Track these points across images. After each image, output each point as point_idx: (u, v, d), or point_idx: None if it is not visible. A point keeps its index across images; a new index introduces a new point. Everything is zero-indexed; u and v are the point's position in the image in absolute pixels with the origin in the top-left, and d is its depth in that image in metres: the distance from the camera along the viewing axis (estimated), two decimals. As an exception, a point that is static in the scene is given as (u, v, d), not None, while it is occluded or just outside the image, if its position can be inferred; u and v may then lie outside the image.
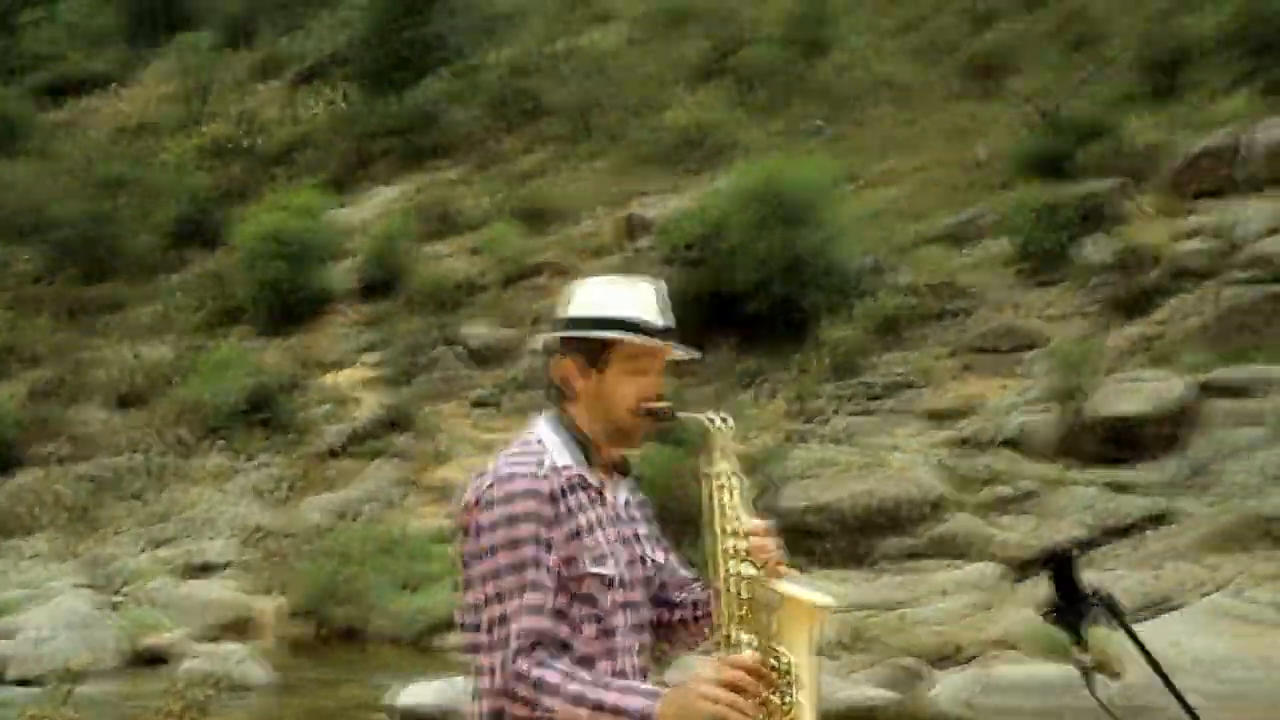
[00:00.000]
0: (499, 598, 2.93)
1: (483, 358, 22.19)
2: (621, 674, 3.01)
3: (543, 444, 3.07)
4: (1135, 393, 16.08)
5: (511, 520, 2.94)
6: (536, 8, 36.27)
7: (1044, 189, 20.42)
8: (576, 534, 2.99)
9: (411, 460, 20.02)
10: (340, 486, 19.94)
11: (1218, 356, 16.29)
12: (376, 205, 28.97)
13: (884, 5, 32.58)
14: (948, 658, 13.44)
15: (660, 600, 3.22)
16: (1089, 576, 2.90)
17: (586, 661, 2.97)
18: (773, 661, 2.92)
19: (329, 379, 22.92)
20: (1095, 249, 19.08)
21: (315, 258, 25.24)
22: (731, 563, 2.98)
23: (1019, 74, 26.99)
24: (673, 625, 3.23)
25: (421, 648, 15.45)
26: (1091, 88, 25.32)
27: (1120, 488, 15.32)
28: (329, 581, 16.46)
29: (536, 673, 2.88)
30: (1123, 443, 15.77)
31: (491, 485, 2.99)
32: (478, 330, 22.77)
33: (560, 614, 2.96)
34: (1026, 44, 28.08)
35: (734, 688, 2.85)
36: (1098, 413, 16.03)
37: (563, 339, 3.12)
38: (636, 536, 3.16)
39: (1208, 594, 13.40)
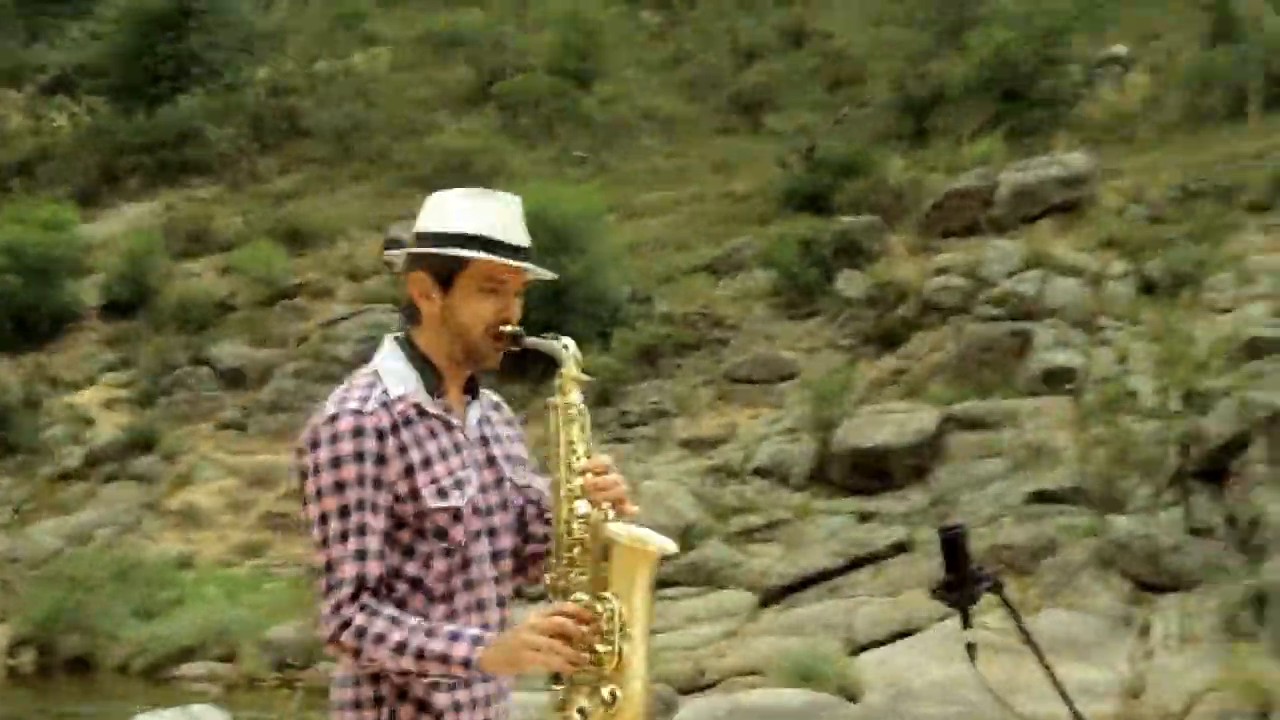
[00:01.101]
0: (325, 543, 2.80)
1: (232, 379, 21.55)
2: (481, 605, 2.90)
3: (378, 374, 2.90)
4: (884, 424, 16.40)
5: (336, 462, 2.79)
6: (300, 27, 35.68)
7: (803, 224, 20.80)
8: (412, 469, 2.83)
9: (152, 483, 19.31)
10: (75, 510, 19.11)
11: (962, 391, 16.72)
12: (125, 221, 28.00)
13: (651, 40, 32.97)
14: (694, 685, 13.43)
15: (520, 528, 3.05)
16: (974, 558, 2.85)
17: (444, 597, 2.85)
18: (601, 608, 2.78)
19: (69, 399, 21.98)
20: (850, 284, 19.46)
21: (58, 273, 24.23)
22: (572, 502, 2.85)
23: (781, 110, 27.55)
24: (527, 559, 3.06)
25: (156, 678, 14.84)
26: (849, 127, 25.99)
27: (866, 517, 15.57)
28: (56, 609, 15.68)
29: (360, 621, 2.76)
30: (871, 473, 16.05)
31: (318, 426, 2.84)
32: (228, 351, 22.11)
33: (409, 551, 2.83)
34: (788, 82, 28.69)
35: (560, 635, 2.73)
36: (848, 443, 16.29)
37: (413, 255, 2.94)
38: (492, 459, 2.99)
39: (941, 620, 13.69)
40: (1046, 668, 3.11)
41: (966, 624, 2.92)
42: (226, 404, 21.07)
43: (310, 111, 30.67)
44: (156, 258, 24.67)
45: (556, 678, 2.79)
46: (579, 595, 2.79)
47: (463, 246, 2.88)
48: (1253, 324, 16.08)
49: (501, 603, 2.95)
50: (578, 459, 2.87)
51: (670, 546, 2.83)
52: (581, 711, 2.77)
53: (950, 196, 20.57)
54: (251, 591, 16.37)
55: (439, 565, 2.84)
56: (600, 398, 18.57)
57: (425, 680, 2.80)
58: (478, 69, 31.39)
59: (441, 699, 2.83)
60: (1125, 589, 13.04)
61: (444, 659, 2.73)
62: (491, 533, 2.94)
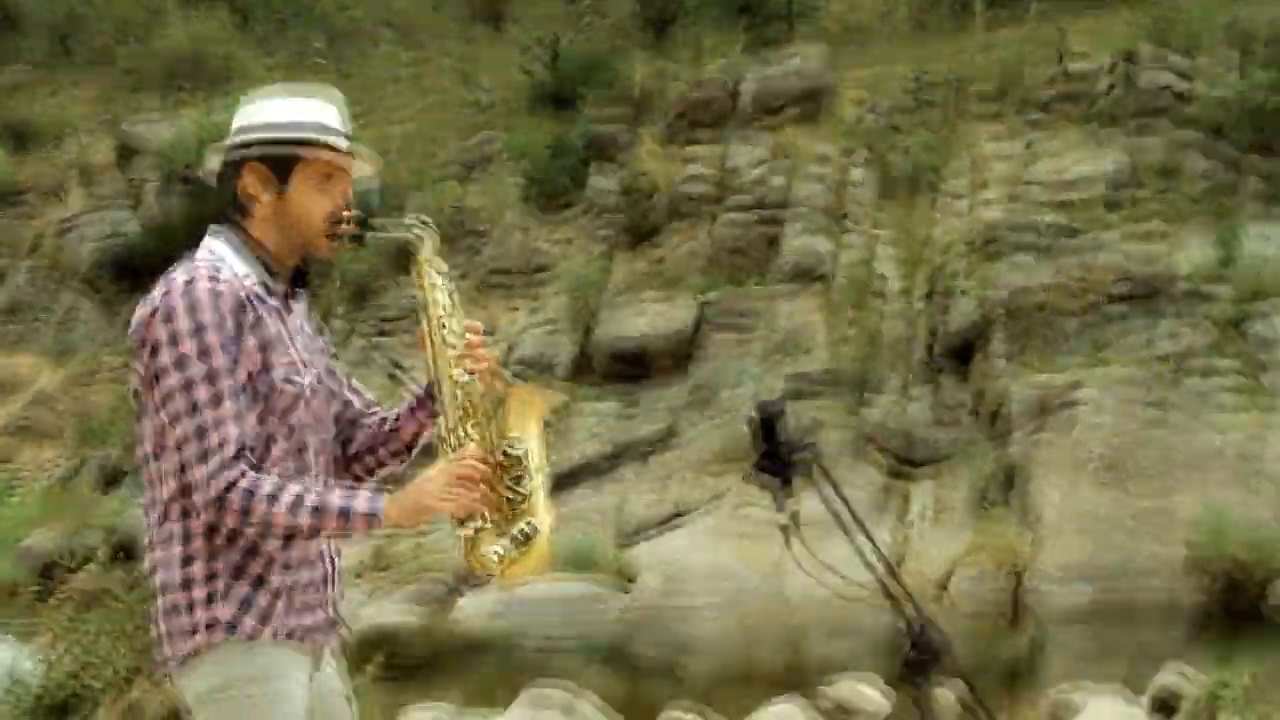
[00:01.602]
0: (194, 409, 2.72)
1: (-39, 284, 20.54)
2: None
3: (220, 256, 2.86)
4: (641, 317, 16.70)
5: (198, 329, 2.74)
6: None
7: (551, 126, 20.81)
8: (266, 345, 2.81)
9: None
10: None
11: (716, 283, 17.11)
12: None
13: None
14: (471, 577, 13.57)
15: (342, 421, 3.04)
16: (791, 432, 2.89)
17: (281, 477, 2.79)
18: (506, 452, 2.85)
19: None
20: (601, 181, 19.64)
21: None
22: (450, 369, 2.89)
23: (519, 22, 27.38)
24: (359, 449, 3.06)
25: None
26: (589, 35, 26.00)
27: (630, 409, 15.86)
28: None
29: (248, 480, 2.71)
30: (632, 365, 16.34)
31: (170, 294, 2.76)
32: (-46, 255, 21.04)
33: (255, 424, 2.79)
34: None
35: (465, 480, 2.77)
36: (607, 337, 16.54)
37: (241, 152, 2.88)
38: (316, 351, 2.99)
39: (710, 510, 14.11)
40: (867, 535, 3.08)
41: (787, 494, 2.88)
42: (-44, 309, 20.10)
43: (24, 5, 29.11)
44: None
45: (463, 523, 2.81)
46: (475, 441, 2.83)
47: (296, 135, 2.85)
48: (987, 215, 16.86)
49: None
50: (448, 330, 2.91)
51: (561, 398, 2.97)
52: (497, 553, 2.83)
53: (694, 95, 20.84)
54: (0, 502, 15.80)
55: (279, 446, 2.83)
56: (357, 296, 18.41)
57: (262, 560, 2.78)
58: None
59: (277, 579, 2.80)
60: (883, 468, 13.66)
61: (344, 514, 2.72)
62: (322, 421, 2.94)
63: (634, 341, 16.35)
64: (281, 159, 2.87)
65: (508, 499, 2.84)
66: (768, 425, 2.86)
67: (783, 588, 12.91)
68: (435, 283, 2.95)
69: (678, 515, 14.21)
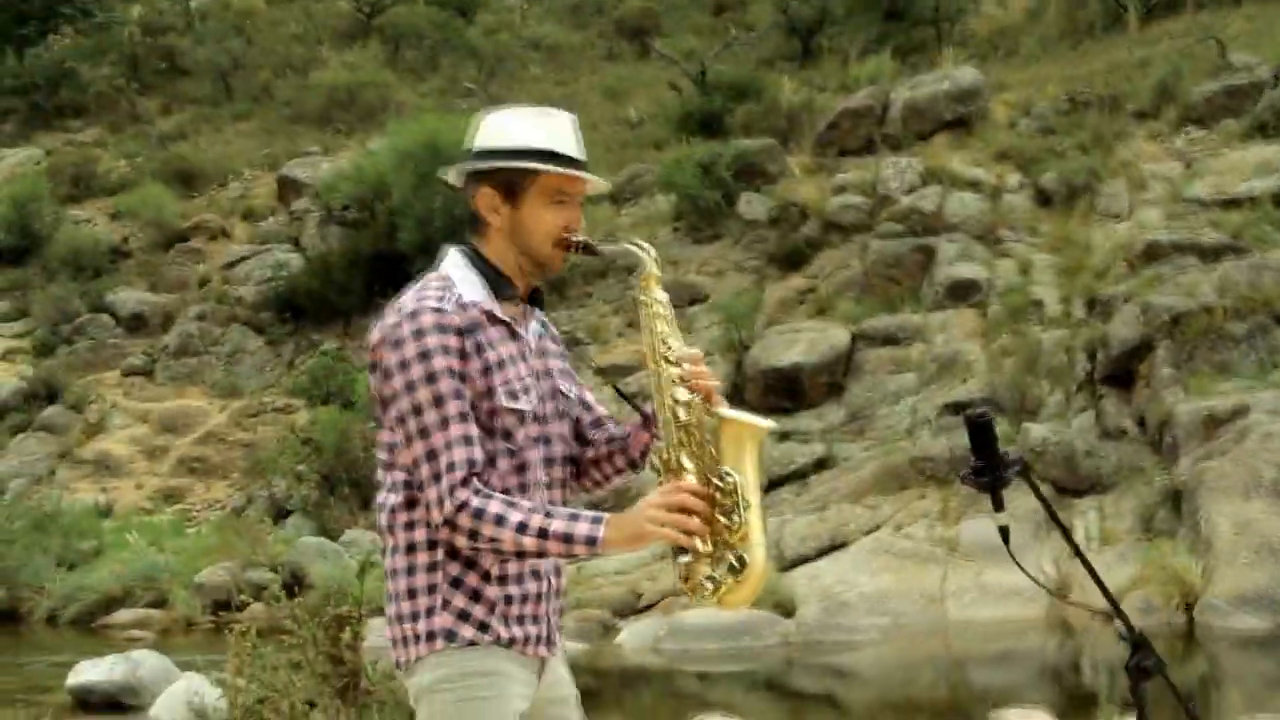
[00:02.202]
0: (424, 433, 2.87)
1: (133, 325, 21.24)
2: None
3: (449, 279, 2.98)
4: (795, 343, 16.67)
5: (425, 355, 2.88)
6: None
7: (699, 148, 20.88)
8: (489, 369, 2.92)
9: (62, 433, 19.01)
10: (-15, 463, 18.78)
11: (870, 307, 17.03)
12: (3, 169, 27.30)
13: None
14: (630, 608, 13.65)
15: (576, 436, 3.16)
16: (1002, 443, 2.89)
17: (503, 494, 2.92)
18: (718, 483, 2.90)
19: (-37, 352, 21.52)
20: (751, 206, 19.64)
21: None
22: (671, 389, 2.96)
23: (667, 36, 27.55)
24: (587, 462, 3.18)
25: (85, 628, 14.73)
26: (737, 51, 26.09)
27: (785, 435, 15.82)
28: (-23, 562, 15.48)
29: (477, 502, 2.85)
30: (786, 392, 16.31)
31: (399, 324, 2.90)
32: (127, 296, 21.76)
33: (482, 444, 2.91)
34: (672, 7, 28.68)
35: (681, 509, 2.85)
36: (761, 364, 16.54)
37: (478, 170, 3.00)
38: (549, 371, 3.09)
39: (869, 533, 14.01)
40: (1079, 554, 3.17)
41: (999, 506, 2.90)
42: (130, 350, 20.78)
43: (188, 49, 30.06)
44: (42, 204, 24.10)
45: (679, 552, 2.89)
46: (690, 475, 2.90)
47: (529, 160, 2.96)
48: (1147, 229, 16.55)
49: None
50: (671, 351, 2.99)
51: (773, 425, 2.98)
52: (710, 579, 2.90)
53: (843, 115, 20.78)
54: (174, 537, 16.27)
55: (501, 464, 2.94)
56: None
57: (479, 573, 2.91)
58: (356, 2, 30.96)
59: (493, 591, 2.93)
60: (1044, 494, 13.43)
61: (567, 538, 2.83)
62: (546, 440, 3.04)
63: (788, 369, 16.32)
64: (513, 179, 2.98)
65: (723, 529, 2.89)
66: (977, 433, 2.87)
67: (943, 616, 12.79)
68: (660, 299, 3.04)
69: (836, 542, 14.13)
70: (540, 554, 2.86)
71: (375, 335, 2.94)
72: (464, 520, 2.83)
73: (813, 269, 18.30)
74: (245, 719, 7.25)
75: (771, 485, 15.11)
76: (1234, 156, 17.60)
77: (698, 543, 2.87)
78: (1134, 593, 11.59)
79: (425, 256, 19.80)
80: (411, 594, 2.93)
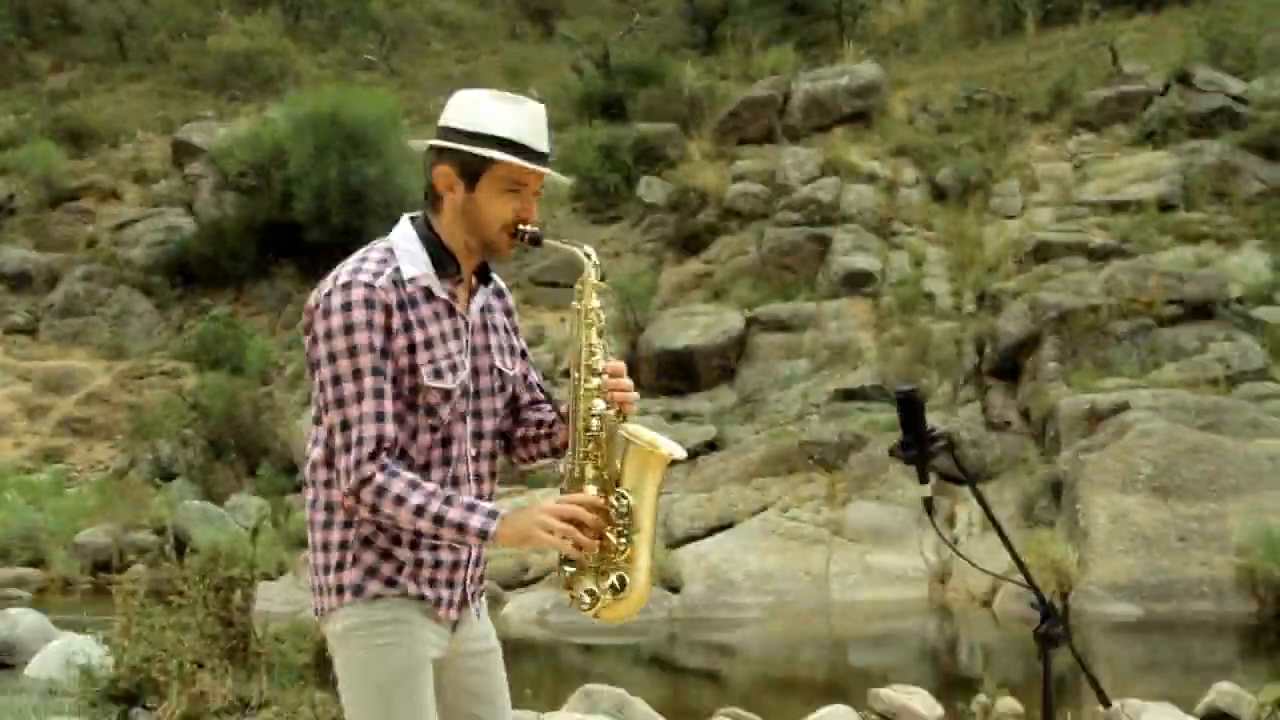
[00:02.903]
0: (340, 403, 2.92)
1: (17, 283, 20.80)
2: (455, 481, 3.03)
3: (393, 251, 3.00)
4: (690, 326, 16.80)
5: (349, 329, 2.91)
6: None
7: (600, 130, 20.92)
8: (414, 347, 2.95)
9: (-62, 390, 18.61)
10: None
11: (764, 293, 17.20)
12: (-117, 117, 26.58)
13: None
14: (518, 580, 13.68)
15: (511, 412, 3.20)
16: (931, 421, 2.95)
17: (424, 468, 2.99)
18: (614, 502, 2.95)
19: None
20: (650, 190, 19.74)
21: None
22: (589, 401, 3.00)
23: (571, 18, 27.54)
24: (516, 440, 3.21)
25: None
26: (640, 36, 26.17)
27: (677, 416, 15.96)
28: None
29: (381, 479, 2.90)
30: (679, 373, 16.43)
31: (331, 293, 2.93)
32: (11, 254, 21.31)
33: (399, 420, 2.96)
34: (577, -9, 28.66)
35: (573, 521, 2.90)
36: (655, 345, 16.64)
37: (441, 148, 3.02)
38: (488, 347, 3.11)
39: (756, 513, 14.18)
40: (1002, 535, 3.23)
41: (924, 479, 2.96)
42: (12, 309, 20.36)
43: (81, 7, 29.46)
44: (-77, 156, 23.55)
45: (567, 560, 2.96)
46: (592, 486, 2.94)
47: (493, 148, 2.97)
48: (1038, 228, 16.90)
49: (479, 479, 3.08)
50: (596, 360, 3.03)
51: (680, 452, 2.99)
52: (590, 593, 2.96)
53: (745, 104, 20.95)
54: (54, 497, 15.99)
55: (423, 439, 2.98)
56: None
57: (389, 535, 2.96)
58: (257, -33, 30.51)
59: (404, 553, 2.98)
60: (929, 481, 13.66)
61: (460, 527, 2.88)
62: (477, 414, 3.08)
63: (682, 351, 16.45)
64: (472, 163, 3.00)
65: (612, 546, 2.94)
66: (908, 410, 2.93)
67: (827, 596, 12.98)
68: (594, 307, 3.07)
69: (724, 522, 14.27)
70: (435, 537, 2.91)
71: (311, 300, 2.98)
72: (367, 495, 2.90)
73: (710, 254, 18.44)
74: (131, 677, 7.19)
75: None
76: (1123, 161, 18.02)
77: (584, 556, 2.94)
78: (1013, 574, 11.81)
79: (320, 226, 19.58)
80: (325, 547, 3.01)
